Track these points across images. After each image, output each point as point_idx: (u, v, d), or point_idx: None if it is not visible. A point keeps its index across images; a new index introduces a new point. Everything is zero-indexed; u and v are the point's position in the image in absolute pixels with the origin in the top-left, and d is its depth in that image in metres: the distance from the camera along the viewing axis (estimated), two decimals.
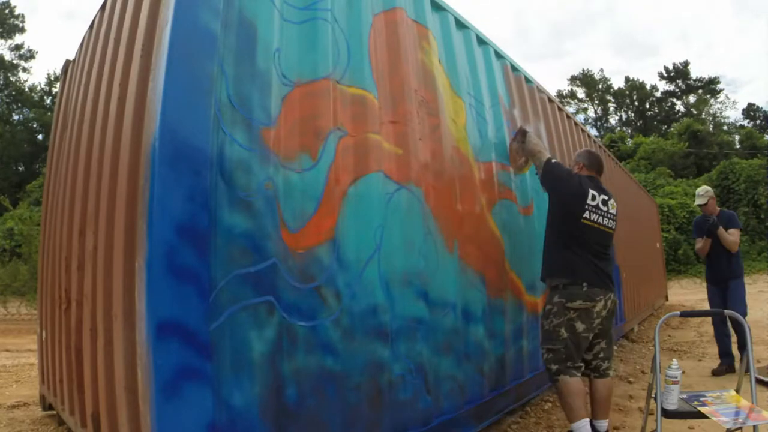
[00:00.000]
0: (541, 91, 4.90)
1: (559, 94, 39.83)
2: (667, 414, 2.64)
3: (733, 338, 5.11)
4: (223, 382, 1.86)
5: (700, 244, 5.29)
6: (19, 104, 28.83)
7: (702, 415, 2.59)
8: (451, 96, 3.35)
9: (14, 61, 29.57)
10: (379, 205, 2.58)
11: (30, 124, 28.56)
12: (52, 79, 28.84)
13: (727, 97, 69.01)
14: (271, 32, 2.24)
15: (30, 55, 29.96)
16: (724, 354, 5.22)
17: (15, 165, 28.11)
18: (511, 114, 4.10)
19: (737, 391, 2.86)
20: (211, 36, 1.98)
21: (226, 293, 1.90)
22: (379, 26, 2.87)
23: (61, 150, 3.46)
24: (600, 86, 41.17)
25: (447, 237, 3.02)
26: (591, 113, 41.50)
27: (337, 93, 2.48)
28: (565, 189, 3.21)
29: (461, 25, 3.73)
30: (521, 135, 3.84)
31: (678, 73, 38.77)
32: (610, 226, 3.23)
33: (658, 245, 12.10)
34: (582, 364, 3.10)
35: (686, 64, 38.94)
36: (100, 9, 3.07)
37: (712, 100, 38.32)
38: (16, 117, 28.75)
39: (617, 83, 46.79)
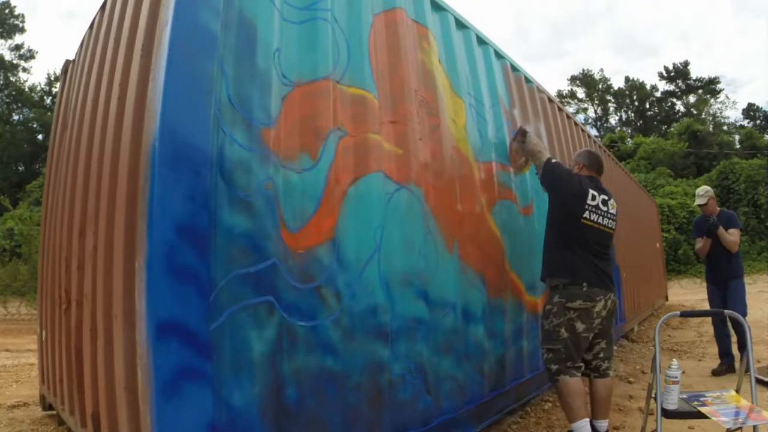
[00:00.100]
0: (541, 91, 4.90)
1: (559, 94, 39.85)
2: (667, 414, 2.64)
3: (733, 338, 5.11)
4: (223, 382, 1.86)
5: (700, 244, 5.29)
6: (19, 104, 28.84)
7: (702, 415, 2.59)
8: (451, 96, 3.35)
9: (14, 61, 29.60)
10: (379, 205, 2.58)
11: (30, 124, 28.57)
12: (52, 79, 28.85)
13: (727, 97, 69.10)
14: (271, 32, 2.24)
15: (30, 55, 30.02)
16: (724, 354, 5.22)
17: (15, 165, 28.12)
18: (511, 114, 4.10)
19: (737, 391, 2.86)
20: (211, 36, 1.98)
21: (226, 293, 1.90)
22: (379, 26, 2.87)
23: (61, 150, 3.46)
24: (600, 86, 41.18)
25: (447, 237, 3.02)
26: (591, 113, 41.56)
27: (337, 93, 2.48)
28: (565, 189, 3.21)
29: (461, 25, 3.73)
30: (521, 135, 3.84)
31: (678, 73, 38.77)
32: (610, 226, 3.23)
33: (658, 245, 12.10)
34: (582, 364, 3.10)
35: (686, 64, 39.02)
36: (100, 9, 3.07)
37: (712, 100, 38.35)
38: (16, 117, 28.80)
39: (617, 83, 46.90)
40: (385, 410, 2.47)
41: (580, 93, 41.51)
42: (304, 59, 2.37)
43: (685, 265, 18.66)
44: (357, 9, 2.74)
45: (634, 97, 40.21)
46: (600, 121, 41.62)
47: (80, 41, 3.60)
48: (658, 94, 39.53)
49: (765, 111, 37.91)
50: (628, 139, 31.91)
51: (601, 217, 3.16)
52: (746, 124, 36.48)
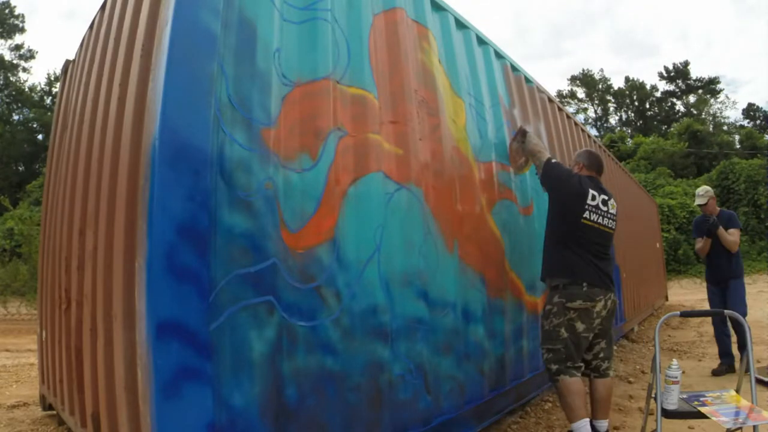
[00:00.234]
0: (541, 91, 4.90)
1: (559, 94, 39.86)
2: (667, 414, 2.64)
3: (733, 338, 5.11)
4: (223, 382, 1.86)
5: (700, 244, 5.30)
6: (19, 104, 28.84)
7: (702, 415, 2.59)
8: (451, 96, 3.35)
9: (14, 61, 29.61)
10: (379, 205, 2.58)
11: (30, 124, 28.57)
12: (52, 79, 28.86)
13: (727, 97, 69.21)
14: (271, 32, 2.24)
15: (30, 55, 30.03)
16: (724, 354, 5.22)
17: (15, 165, 28.12)
18: (511, 114, 4.10)
19: (737, 391, 2.86)
20: (211, 36, 1.98)
21: (226, 293, 1.90)
22: (379, 26, 2.87)
23: (61, 150, 3.46)
24: (600, 86, 41.18)
25: (447, 237, 3.02)
26: (591, 113, 41.56)
27: (337, 93, 2.48)
28: (565, 189, 3.21)
29: (461, 25, 3.73)
30: (521, 135, 3.84)
31: (678, 73, 38.78)
32: (610, 226, 3.23)
33: (658, 245, 12.10)
34: (582, 364, 3.10)
35: (686, 64, 39.03)
36: (100, 9, 3.07)
37: (712, 100, 38.36)
38: (16, 117, 28.80)
39: (617, 83, 46.91)
40: (385, 410, 2.47)
41: (580, 93, 41.59)
42: (304, 59, 2.37)
43: (685, 265, 18.66)
44: (357, 9, 2.74)
45: (634, 97, 40.21)
46: (600, 121, 41.65)
47: (80, 41, 3.60)
48: (658, 94, 39.58)
49: (765, 111, 37.98)
50: (628, 139, 31.91)
51: (601, 217, 3.16)
52: (746, 124, 36.52)
